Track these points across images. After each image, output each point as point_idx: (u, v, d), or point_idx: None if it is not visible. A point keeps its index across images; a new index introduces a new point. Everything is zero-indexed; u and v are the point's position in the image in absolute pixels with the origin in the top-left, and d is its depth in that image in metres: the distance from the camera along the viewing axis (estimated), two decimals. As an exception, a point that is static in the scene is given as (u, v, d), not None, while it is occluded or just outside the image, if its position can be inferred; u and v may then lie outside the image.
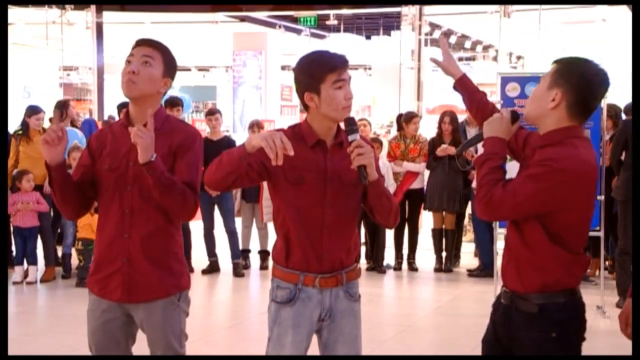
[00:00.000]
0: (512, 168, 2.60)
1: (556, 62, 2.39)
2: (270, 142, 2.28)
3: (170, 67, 2.73)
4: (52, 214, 7.20)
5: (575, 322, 2.38)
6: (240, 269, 7.38)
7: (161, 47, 2.72)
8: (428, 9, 13.53)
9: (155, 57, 2.68)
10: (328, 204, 2.50)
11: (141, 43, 2.71)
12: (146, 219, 2.67)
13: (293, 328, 2.51)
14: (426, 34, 14.55)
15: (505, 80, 6.16)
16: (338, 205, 2.52)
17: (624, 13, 13.22)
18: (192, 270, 7.04)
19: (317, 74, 2.48)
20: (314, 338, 2.62)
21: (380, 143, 7.74)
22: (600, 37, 15.48)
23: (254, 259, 7.81)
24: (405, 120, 7.76)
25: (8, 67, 6.37)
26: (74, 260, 7.03)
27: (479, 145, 2.58)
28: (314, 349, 2.63)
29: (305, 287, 2.52)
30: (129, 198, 2.67)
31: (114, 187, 2.68)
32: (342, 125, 2.56)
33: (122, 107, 7.57)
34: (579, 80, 2.31)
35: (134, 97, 2.67)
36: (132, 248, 2.67)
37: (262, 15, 15.73)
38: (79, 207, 2.78)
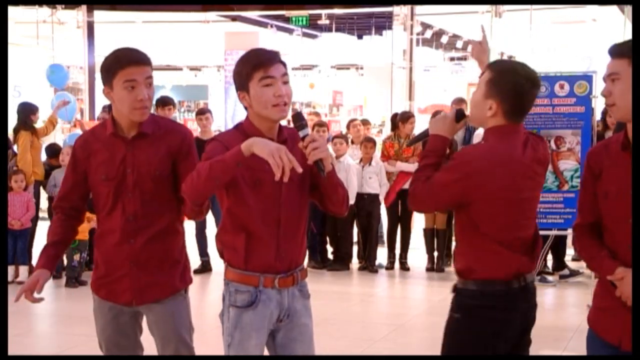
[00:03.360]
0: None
1: (489, 67, 2.49)
2: (277, 159, 2.20)
3: None
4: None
5: (484, 311, 2.47)
6: (232, 268, 7.36)
7: (149, 59, 2.68)
8: (420, 8, 13.54)
9: (151, 72, 2.66)
10: (284, 203, 2.46)
11: (139, 61, 2.62)
12: (150, 223, 2.68)
13: (256, 331, 2.46)
14: (418, 34, 14.57)
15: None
16: (292, 203, 2.49)
17: (615, 13, 13.28)
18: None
19: (244, 72, 2.45)
20: None
21: (374, 143, 7.76)
22: (590, 37, 15.54)
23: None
24: (402, 120, 7.76)
25: (8, 68, 6.33)
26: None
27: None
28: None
29: (266, 288, 2.47)
30: (131, 204, 2.67)
31: (114, 195, 2.68)
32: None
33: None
34: (512, 90, 2.42)
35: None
36: (139, 252, 2.68)
37: (253, 14, 15.71)
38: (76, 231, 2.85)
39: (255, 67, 2.42)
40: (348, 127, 8.98)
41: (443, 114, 2.56)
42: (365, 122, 8.94)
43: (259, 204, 2.44)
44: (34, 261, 7.08)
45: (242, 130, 2.48)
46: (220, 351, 4.35)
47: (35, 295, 2.63)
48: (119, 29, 15.79)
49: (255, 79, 2.42)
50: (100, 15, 14.80)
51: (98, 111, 14.72)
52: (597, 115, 6.86)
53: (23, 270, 6.86)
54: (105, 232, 2.74)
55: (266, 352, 2.59)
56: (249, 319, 2.46)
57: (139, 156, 2.67)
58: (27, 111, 7.31)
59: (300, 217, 2.53)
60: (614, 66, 2.23)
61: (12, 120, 7.55)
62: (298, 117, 2.44)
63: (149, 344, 2.88)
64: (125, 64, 2.59)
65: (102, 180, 2.69)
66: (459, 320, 2.50)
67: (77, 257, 6.71)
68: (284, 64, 2.47)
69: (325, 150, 2.36)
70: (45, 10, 13.95)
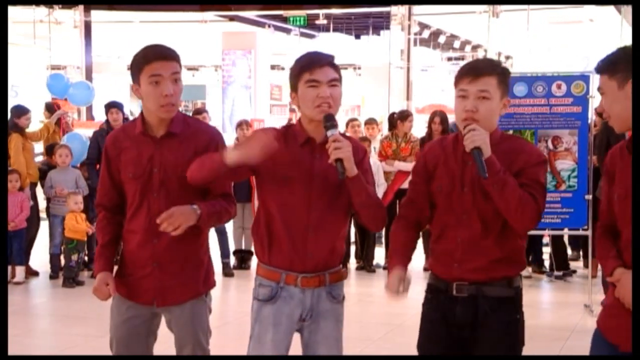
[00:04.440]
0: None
1: (492, 73, 2.47)
2: (245, 154, 2.36)
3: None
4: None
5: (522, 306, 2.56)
6: (229, 268, 7.37)
7: (176, 54, 2.66)
8: (417, 8, 13.59)
9: (179, 68, 2.65)
10: (313, 204, 2.48)
11: (164, 56, 2.61)
12: None
13: (273, 326, 2.51)
14: (415, 34, 14.61)
15: (494, 80, 6.15)
16: (324, 206, 2.50)
17: (612, 14, 13.31)
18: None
19: (294, 72, 2.52)
20: (297, 337, 2.61)
21: (370, 142, 7.76)
22: (587, 37, 15.57)
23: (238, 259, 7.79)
24: (400, 118, 7.77)
25: (8, 68, 6.32)
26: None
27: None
28: (296, 349, 2.62)
29: (287, 285, 2.51)
30: (156, 203, 2.64)
31: (141, 193, 2.67)
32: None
33: (110, 107, 7.51)
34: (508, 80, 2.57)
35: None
36: (162, 252, 2.66)
37: (251, 14, 15.74)
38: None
39: (302, 69, 2.49)
40: (347, 126, 8.98)
41: (483, 131, 2.42)
42: (372, 121, 8.71)
43: (286, 201, 2.48)
44: (32, 262, 7.15)
45: (290, 131, 2.56)
46: (221, 351, 4.33)
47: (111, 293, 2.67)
48: (116, 29, 15.80)
49: (302, 80, 2.48)
50: (97, 15, 14.80)
51: (96, 112, 14.74)
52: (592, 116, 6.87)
53: (20, 270, 6.84)
54: (130, 230, 2.72)
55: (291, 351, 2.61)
56: (267, 313, 2.52)
57: (166, 156, 2.66)
58: (18, 113, 7.28)
59: (334, 221, 2.54)
60: (599, 82, 2.30)
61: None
62: (328, 118, 2.45)
63: (159, 345, 2.88)
64: (150, 59, 2.59)
65: (130, 178, 2.68)
66: (520, 319, 2.51)
67: (74, 257, 6.70)
68: (335, 68, 2.51)
69: (347, 152, 2.38)
70: (42, 10, 13.97)
